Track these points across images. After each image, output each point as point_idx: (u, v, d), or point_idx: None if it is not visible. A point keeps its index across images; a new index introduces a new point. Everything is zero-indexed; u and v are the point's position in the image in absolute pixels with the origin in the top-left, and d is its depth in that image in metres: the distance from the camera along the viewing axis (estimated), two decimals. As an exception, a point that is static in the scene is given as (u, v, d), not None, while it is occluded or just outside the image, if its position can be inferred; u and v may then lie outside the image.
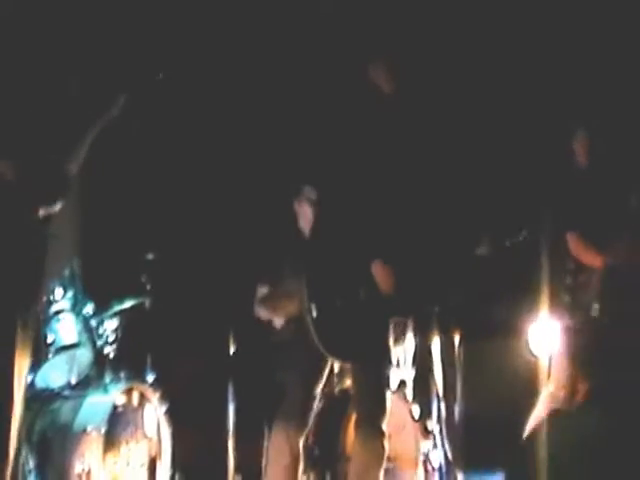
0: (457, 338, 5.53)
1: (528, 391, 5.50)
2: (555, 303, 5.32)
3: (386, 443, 4.73)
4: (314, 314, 4.68)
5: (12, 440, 3.81)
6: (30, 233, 3.89)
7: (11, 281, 3.80)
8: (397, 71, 4.72)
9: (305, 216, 5.52)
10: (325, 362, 4.97)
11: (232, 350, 5.46)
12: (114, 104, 4.12)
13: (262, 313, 5.67)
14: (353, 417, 5.00)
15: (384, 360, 4.71)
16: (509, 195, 4.93)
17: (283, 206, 5.74)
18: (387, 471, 4.88)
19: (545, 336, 5.44)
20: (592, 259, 5.24)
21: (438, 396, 5.36)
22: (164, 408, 5.30)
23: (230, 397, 5.44)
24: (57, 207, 3.95)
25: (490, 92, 5.16)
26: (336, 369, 5.33)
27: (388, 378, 4.75)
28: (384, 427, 4.74)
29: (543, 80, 5.89)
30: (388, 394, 4.76)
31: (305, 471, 5.10)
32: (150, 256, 5.47)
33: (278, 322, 5.67)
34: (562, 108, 5.70)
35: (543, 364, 5.44)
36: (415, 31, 4.99)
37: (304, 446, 4.97)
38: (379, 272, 4.67)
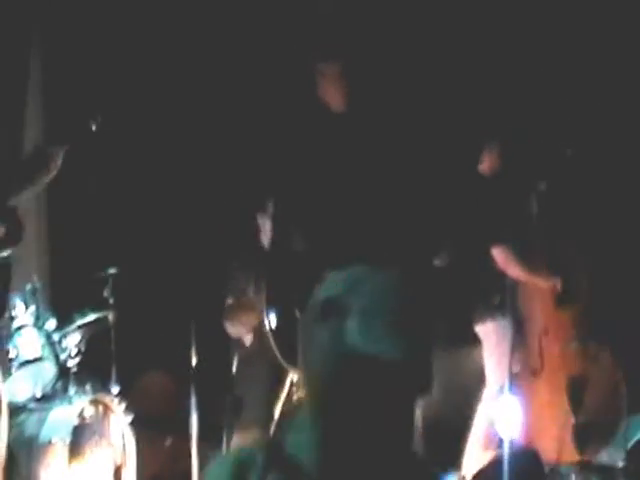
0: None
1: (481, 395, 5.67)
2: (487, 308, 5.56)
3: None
4: (273, 325, 4.80)
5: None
6: None
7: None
8: (346, 86, 4.85)
9: (266, 230, 5.64)
10: (286, 374, 5.07)
11: (195, 362, 5.55)
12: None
13: (230, 328, 5.78)
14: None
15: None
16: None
17: (246, 220, 5.85)
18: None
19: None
20: (514, 271, 5.45)
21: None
22: (129, 418, 5.40)
23: (193, 408, 5.53)
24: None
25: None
26: (295, 378, 5.45)
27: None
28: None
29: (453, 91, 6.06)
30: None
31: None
32: (112, 270, 5.57)
33: (247, 338, 5.78)
34: (471, 120, 5.87)
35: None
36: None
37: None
38: None
